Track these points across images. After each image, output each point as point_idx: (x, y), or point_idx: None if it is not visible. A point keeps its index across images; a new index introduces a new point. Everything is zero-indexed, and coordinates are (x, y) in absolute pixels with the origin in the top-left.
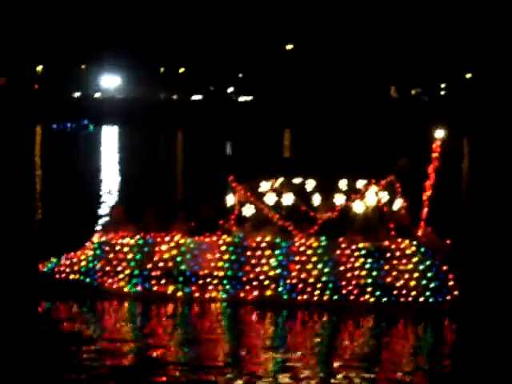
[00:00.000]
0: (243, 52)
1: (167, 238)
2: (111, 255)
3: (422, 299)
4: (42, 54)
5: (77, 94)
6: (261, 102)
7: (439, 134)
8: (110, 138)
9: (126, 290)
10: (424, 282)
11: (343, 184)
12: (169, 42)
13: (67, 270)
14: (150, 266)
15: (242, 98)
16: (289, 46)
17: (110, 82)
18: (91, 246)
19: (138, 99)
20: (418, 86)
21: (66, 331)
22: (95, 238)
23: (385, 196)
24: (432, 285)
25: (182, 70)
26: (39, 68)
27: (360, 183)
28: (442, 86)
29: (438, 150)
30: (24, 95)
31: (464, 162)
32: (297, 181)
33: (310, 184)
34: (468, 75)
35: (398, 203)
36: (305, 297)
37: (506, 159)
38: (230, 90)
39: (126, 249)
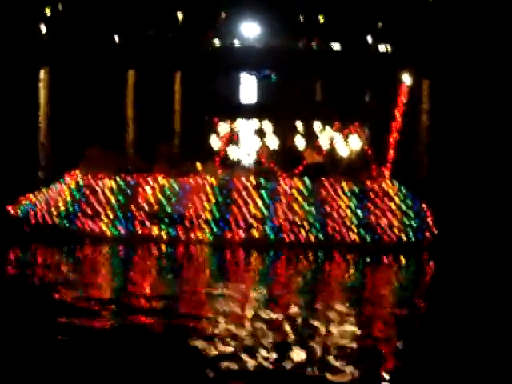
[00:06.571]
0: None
1: (150, 180)
2: (92, 198)
3: (404, 237)
4: (183, 2)
5: (216, 43)
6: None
7: (406, 78)
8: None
9: (108, 233)
10: (406, 220)
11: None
12: None
13: (45, 213)
14: (133, 208)
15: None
16: None
17: (250, 30)
18: (68, 188)
19: (276, 48)
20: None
21: (48, 276)
22: (69, 180)
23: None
24: (413, 223)
25: (321, 18)
26: (180, 15)
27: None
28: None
29: (405, 93)
30: (163, 42)
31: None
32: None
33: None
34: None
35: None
36: (291, 237)
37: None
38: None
39: (107, 191)
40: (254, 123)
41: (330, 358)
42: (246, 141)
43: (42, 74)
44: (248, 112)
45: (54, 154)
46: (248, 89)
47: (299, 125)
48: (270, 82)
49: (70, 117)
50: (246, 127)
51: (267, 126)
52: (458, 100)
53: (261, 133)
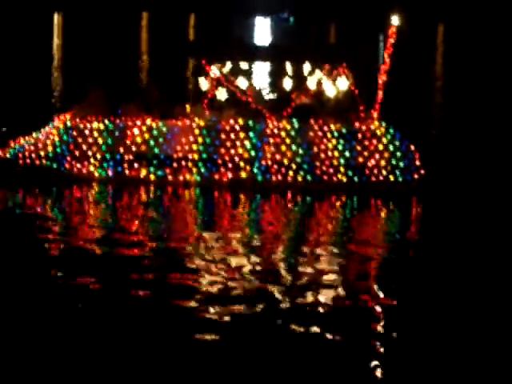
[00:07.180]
0: None
1: (138, 122)
2: (80, 140)
3: (391, 178)
4: None
5: None
6: None
7: (395, 20)
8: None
9: (96, 174)
10: (393, 161)
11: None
12: None
13: (33, 155)
14: (122, 150)
15: None
16: None
17: None
18: (57, 130)
19: None
20: None
21: (37, 217)
22: (58, 122)
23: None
24: (401, 164)
25: None
26: None
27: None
28: None
29: (394, 36)
30: None
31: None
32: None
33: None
34: None
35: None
36: (279, 178)
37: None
38: None
39: (95, 133)
40: (244, 65)
41: (319, 307)
42: (236, 83)
43: (56, 18)
44: (240, 54)
45: (67, 98)
46: (261, 32)
47: (289, 67)
48: (288, 25)
49: (84, 61)
50: (235, 69)
51: (258, 68)
52: (472, 45)
53: (251, 75)
